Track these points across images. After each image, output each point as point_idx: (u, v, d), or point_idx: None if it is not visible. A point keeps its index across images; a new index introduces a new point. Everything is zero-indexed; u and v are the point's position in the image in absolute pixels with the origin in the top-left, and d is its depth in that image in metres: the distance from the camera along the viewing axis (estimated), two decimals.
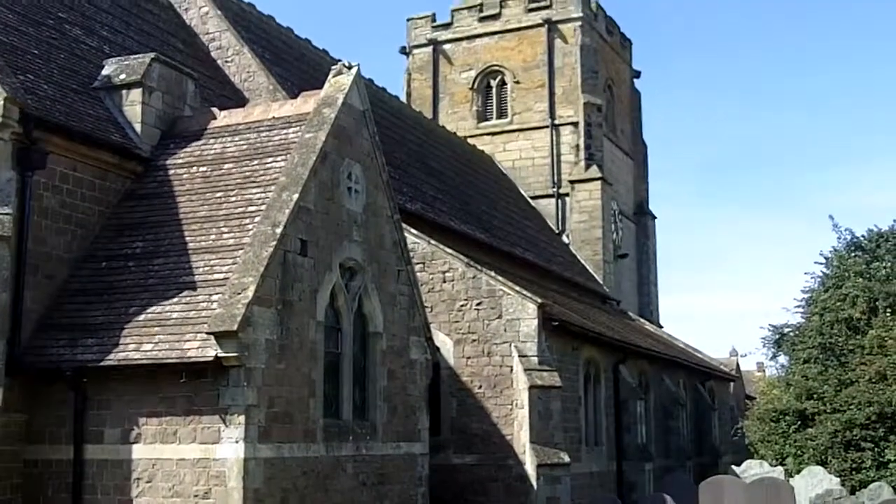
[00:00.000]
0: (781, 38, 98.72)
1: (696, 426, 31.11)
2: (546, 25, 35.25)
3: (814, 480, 20.24)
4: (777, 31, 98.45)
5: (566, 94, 34.87)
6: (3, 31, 15.59)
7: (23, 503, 13.58)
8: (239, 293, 13.03)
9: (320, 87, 16.18)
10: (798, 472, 21.33)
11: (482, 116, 35.93)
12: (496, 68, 35.85)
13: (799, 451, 22.79)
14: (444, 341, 19.66)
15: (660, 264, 40.34)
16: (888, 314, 23.67)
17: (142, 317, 13.59)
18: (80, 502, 13.36)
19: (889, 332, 22.99)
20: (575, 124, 34.63)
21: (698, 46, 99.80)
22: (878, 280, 24.62)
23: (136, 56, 17.06)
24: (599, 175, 34.30)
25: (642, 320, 35.37)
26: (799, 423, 23.28)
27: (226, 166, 15.72)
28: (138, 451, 13.20)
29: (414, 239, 19.52)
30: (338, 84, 15.82)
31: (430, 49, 36.59)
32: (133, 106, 16.35)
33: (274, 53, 24.22)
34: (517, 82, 35.44)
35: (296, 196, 14.09)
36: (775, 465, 22.44)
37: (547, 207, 34.59)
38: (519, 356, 19.48)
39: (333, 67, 16.25)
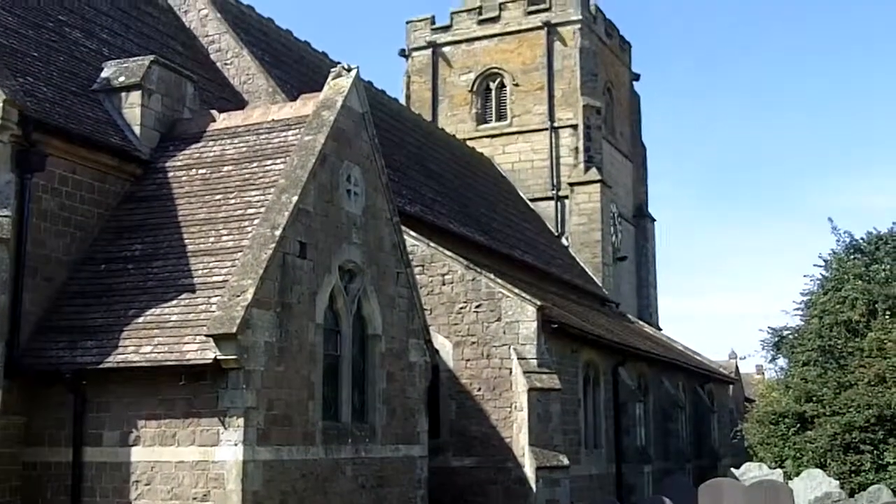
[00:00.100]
0: (781, 41, 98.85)
1: (696, 429, 31.09)
2: (545, 28, 35.27)
3: (813, 483, 20.26)
4: (776, 34, 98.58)
5: (565, 96, 34.89)
6: (3, 34, 15.60)
7: None
8: (238, 295, 13.03)
9: (319, 89, 16.18)
10: (797, 474, 21.35)
11: (481, 119, 35.94)
12: (495, 71, 35.87)
13: (798, 454, 22.81)
14: (443, 344, 19.65)
15: (659, 266, 40.42)
16: (887, 317, 23.69)
17: (141, 319, 13.59)
18: None
19: (888, 334, 23.01)
20: (574, 127, 34.65)
21: (698, 49, 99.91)
22: (877, 283, 24.66)
23: (136, 58, 17.06)
24: (599, 177, 34.32)
25: (641, 323, 35.38)
26: (798, 425, 23.30)
27: (225, 169, 15.72)
28: (137, 454, 13.19)
29: (413, 241, 19.51)
30: (337, 86, 15.83)
31: (429, 51, 36.61)
32: (132, 108, 16.36)
33: (273, 56, 24.23)
34: (516, 85, 35.46)
35: (295, 198, 14.09)
36: (774, 468, 22.47)
37: (546, 210, 34.59)
38: (518, 358, 19.47)
39: (333, 70, 16.25)
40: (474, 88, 35.95)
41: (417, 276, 18.36)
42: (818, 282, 26.27)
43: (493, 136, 35.48)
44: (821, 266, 26.55)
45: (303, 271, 14.20)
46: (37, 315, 13.99)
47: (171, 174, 15.93)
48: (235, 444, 12.77)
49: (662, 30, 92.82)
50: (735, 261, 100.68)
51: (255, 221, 14.17)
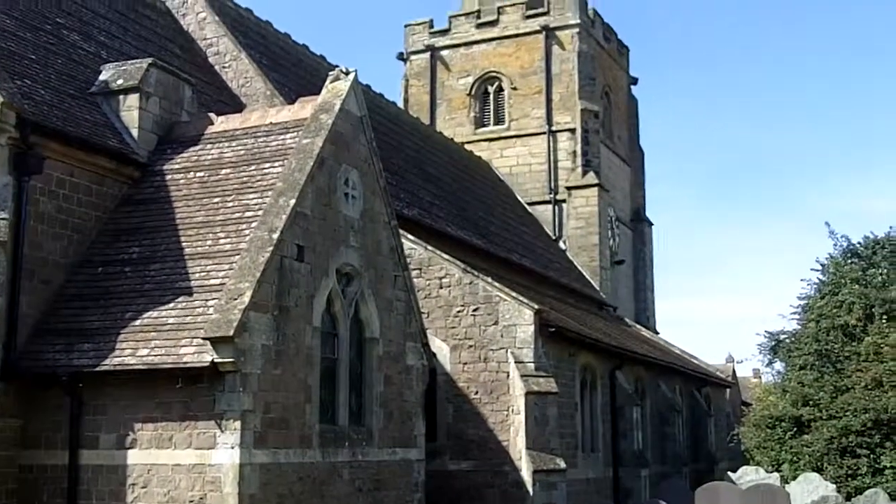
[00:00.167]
0: (779, 44, 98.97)
1: (693, 432, 31.10)
2: (543, 32, 35.29)
3: (810, 487, 20.24)
4: (775, 37, 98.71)
5: (563, 100, 34.90)
6: (1, 37, 15.62)
7: None
8: (235, 298, 13.03)
9: (318, 92, 16.20)
10: (794, 478, 21.32)
11: (479, 122, 35.96)
12: (494, 74, 35.89)
13: (795, 458, 22.79)
14: (440, 347, 19.66)
15: (657, 270, 40.44)
16: (884, 321, 23.68)
17: (138, 322, 13.59)
18: None
19: (885, 338, 23.00)
20: (572, 131, 34.67)
21: (696, 53, 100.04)
22: (874, 287, 24.64)
23: (134, 61, 17.08)
24: (596, 181, 34.34)
25: (639, 326, 35.39)
26: (795, 429, 23.28)
27: (223, 172, 15.73)
28: (134, 457, 13.19)
29: (411, 245, 19.52)
30: (335, 90, 15.84)
31: (427, 55, 36.63)
32: (130, 111, 16.37)
33: (271, 59, 24.24)
34: (514, 89, 35.48)
35: (293, 202, 14.10)
36: (771, 472, 22.43)
37: (544, 214, 34.61)
38: (515, 362, 19.48)
39: (331, 73, 16.27)
40: (472, 92, 35.97)
41: (415, 280, 18.37)
42: (815, 286, 26.27)
43: (491, 140, 35.48)
44: (818, 270, 26.55)
45: (300, 274, 14.20)
46: (34, 318, 13.99)
47: (168, 177, 15.93)
48: (232, 448, 12.77)
49: (660, 34, 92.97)
50: (733, 264, 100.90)
51: (253, 224, 14.17)
